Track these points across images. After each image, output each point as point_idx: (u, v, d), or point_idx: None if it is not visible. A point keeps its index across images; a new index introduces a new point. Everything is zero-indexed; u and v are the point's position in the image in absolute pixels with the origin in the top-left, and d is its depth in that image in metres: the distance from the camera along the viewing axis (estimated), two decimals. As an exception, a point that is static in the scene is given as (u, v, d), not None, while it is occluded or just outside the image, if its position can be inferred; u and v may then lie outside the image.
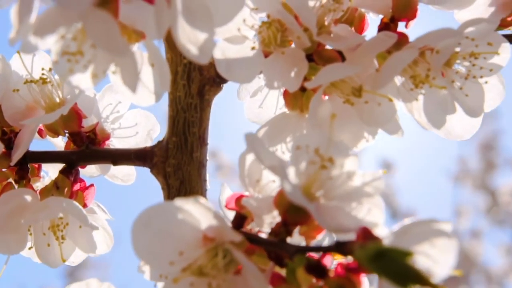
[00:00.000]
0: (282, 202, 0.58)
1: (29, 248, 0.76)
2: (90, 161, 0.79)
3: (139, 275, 0.60)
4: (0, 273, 0.77)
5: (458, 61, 0.69)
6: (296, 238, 0.61)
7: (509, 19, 0.72)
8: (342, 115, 0.69)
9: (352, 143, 0.71)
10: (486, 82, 0.70)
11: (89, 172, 0.85)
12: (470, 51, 0.68)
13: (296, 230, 0.60)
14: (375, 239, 0.53)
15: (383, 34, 0.67)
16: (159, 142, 0.75)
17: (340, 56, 0.69)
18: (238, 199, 0.64)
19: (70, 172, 0.77)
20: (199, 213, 0.56)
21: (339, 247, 0.54)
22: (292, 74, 0.68)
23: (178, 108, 0.73)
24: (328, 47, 0.69)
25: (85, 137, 0.79)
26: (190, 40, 0.57)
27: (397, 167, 6.78)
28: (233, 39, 0.68)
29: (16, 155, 0.73)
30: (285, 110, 0.77)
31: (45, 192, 0.76)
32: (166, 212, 0.55)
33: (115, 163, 0.78)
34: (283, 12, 0.66)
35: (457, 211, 6.44)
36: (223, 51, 0.67)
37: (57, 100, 0.77)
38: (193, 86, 0.72)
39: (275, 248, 0.58)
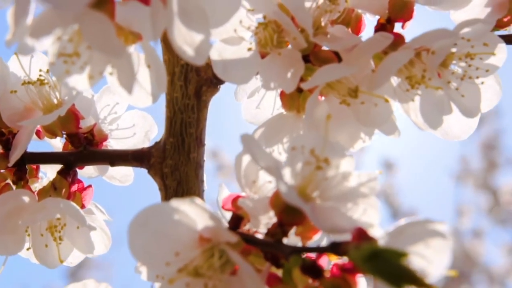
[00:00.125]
0: (278, 203, 0.58)
1: (27, 249, 0.77)
2: (88, 162, 0.80)
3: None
4: (-1, 273, 0.77)
5: (454, 62, 0.69)
6: (293, 239, 0.61)
7: (505, 19, 0.72)
8: (339, 116, 0.69)
9: (349, 144, 0.71)
10: (482, 83, 0.70)
11: (87, 173, 0.85)
12: (466, 52, 0.68)
13: (293, 231, 0.61)
14: (370, 239, 0.53)
15: (379, 35, 0.67)
16: (156, 143, 0.75)
17: (337, 57, 0.69)
18: (235, 200, 0.64)
19: (67, 173, 0.77)
20: (195, 214, 0.56)
21: (334, 248, 0.55)
22: (289, 75, 0.68)
23: (175, 109, 0.73)
24: (324, 48, 0.69)
25: (83, 138, 0.79)
26: (186, 41, 0.57)
27: (399, 167, 6.78)
28: (230, 40, 0.68)
29: (14, 156, 0.74)
30: (282, 111, 0.77)
31: (43, 193, 0.76)
32: (162, 213, 0.56)
33: (113, 164, 0.78)
34: (280, 13, 0.66)
35: (459, 210, 6.43)
36: (219, 52, 0.68)
37: (55, 101, 0.77)
38: (190, 87, 0.72)
39: (271, 248, 0.58)
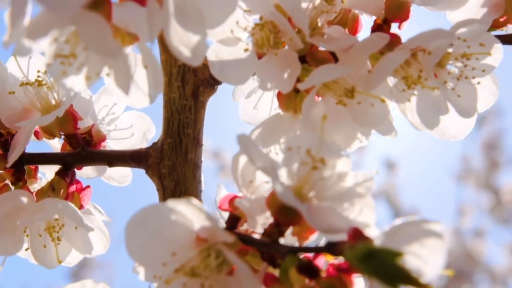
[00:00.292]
0: (274, 203, 0.59)
1: (26, 250, 0.77)
2: (86, 162, 0.80)
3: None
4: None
5: (450, 62, 0.69)
6: (289, 239, 0.61)
7: (501, 20, 0.72)
8: (335, 116, 0.69)
9: (346, 144, 0.71)
10: (478, 83, 0.70)
11: (86, 173, 0.86)
12: (462, 52, 0.68)
13: (289, 231, 0.61)
14: (366, 239, 0.53)
15: (375, 35, 0.67)
16: (154, 144, 0.75)
17: (333, 57, 0.69)
18: (232, 200, 0.64)
19: (66, 173, 0.77)
20: (192, 214, 0.56)
21: (330, 248, 0.55)
22: (285, 75, 0.68)
23: (173, 109, 0.73)
24: (321, 48, 0.69)
25: (81, 138, 0.79)
26: (183, 42, 0.57)
27: (400, 166, 6.78)
28: (227, 41, 0.68)
29: (12, 157, 0.74)
30: (279, 111, 0.77)
31: (41, 193, 0.77)
32: (159, 213, 0.56)
33: (111, 164, 0.79)
34: (276, 14, 0.66)
35: (460, 210, 6.43)
36: (216, 53, 0.68)
37: (53, 102, 0.77)
38: (188, 88, 0.73)
39: (268, 248, 0.58)
